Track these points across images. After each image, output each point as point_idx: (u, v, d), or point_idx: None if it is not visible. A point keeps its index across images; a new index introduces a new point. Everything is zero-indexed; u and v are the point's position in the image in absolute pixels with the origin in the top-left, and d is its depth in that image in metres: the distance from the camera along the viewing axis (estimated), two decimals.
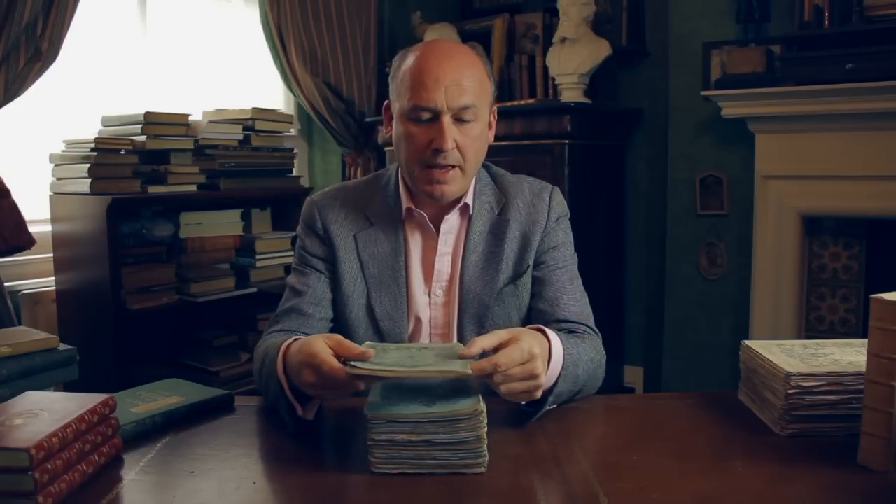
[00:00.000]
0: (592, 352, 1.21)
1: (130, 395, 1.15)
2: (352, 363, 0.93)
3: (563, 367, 1.08)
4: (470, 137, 1.22)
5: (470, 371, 0.91)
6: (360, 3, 3.34)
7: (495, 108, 1.33)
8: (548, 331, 1.10)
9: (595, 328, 1.31)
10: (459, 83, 1.19)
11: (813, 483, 0.88)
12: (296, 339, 1.13)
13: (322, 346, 0.98)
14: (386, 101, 1.32)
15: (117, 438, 0.97)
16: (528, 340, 1.00)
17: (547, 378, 1.05)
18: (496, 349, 0.99)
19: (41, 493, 0.80)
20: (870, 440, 0.90)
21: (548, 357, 1.06)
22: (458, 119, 1.21)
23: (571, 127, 2.89)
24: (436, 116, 1.20)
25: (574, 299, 1.31)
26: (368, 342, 1.10)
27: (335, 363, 0.96)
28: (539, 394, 1.03)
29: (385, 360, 0.98)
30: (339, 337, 1.01)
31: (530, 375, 0.99)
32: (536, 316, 1.30)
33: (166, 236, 2.54)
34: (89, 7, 2.46)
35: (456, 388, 0.96)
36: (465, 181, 1.26)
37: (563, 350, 1.10)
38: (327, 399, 1.10)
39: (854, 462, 0.91)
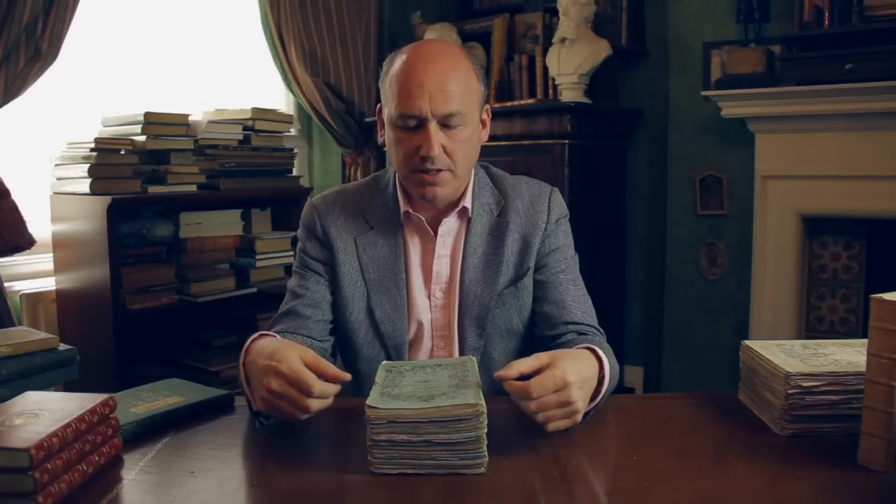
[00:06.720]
0: (612, 357, 1.17)
1: (130, 395, 1.15)
2: (369, 404, 0.90)
3: (608, 384, 1.07)
4: (458, 142, 1.21)
5: (483, 402, 0.89)
6: (360, 4, 3.34)
7: (488, 106, 1.31)
8: (599, 351, 1.07)
9: (599, 328, 1.31)
10: (444, 89, 1.18)
11: (813, 483, 0.88)
12: (262, 335, 1.14)
13: (293, 355, 0.98)
14: (378, 105, 1.32)
15: (117, 438, 0.97)
16: (563, 367, 0.95)
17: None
18: (537, 372, 0.95)
19: (41, 493, 0.79)
20: (870, 440, 0.90)
21: (598, 378, 1.03)
22: (445, 125, 1.20)
23: (571, 127, 2.89)
24: (422, 123, 1.19)
25: (579, 301, 1.31)
26: (385, 362, 1.10)
27: (300, 367, 0.96)
28: (579, 417, 0.98)
29: (402, 384, 0.98)
30: (314, 354, 1.00)
31: (565, 403, 0.94)
32: (542, 320, 1.30)
33: (166, 236, 2.54)
34: (89, 7, 2.45)
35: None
36: (457, 183, 1.26)
37: (609, 370, 1.07)
38: (282, 416, 1.01)
39: (854, 462, 0.91)
